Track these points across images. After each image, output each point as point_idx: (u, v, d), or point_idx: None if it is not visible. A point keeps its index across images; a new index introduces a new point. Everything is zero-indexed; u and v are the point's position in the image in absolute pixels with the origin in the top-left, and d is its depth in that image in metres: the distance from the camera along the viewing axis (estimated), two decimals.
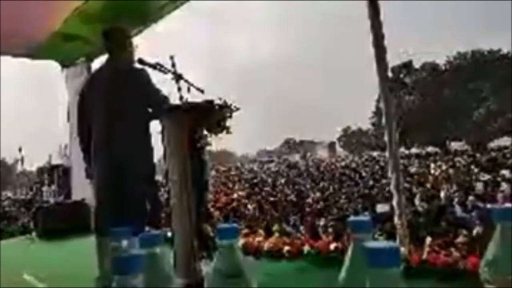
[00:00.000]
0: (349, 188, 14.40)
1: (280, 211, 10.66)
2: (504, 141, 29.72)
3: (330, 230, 7.06)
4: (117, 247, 0.86)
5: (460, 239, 4.85)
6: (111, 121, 2.67)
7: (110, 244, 0.87)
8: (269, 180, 20.77)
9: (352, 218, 0.68)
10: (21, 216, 12.60)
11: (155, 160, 2.87)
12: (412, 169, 18.11)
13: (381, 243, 0.53)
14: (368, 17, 3.06)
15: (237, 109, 2.92)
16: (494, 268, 0.66)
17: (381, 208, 9.15)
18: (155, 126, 2.84)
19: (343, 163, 27.69)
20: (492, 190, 10.20)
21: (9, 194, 29.38)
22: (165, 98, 2.82)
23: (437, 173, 15.82)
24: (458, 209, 8.20)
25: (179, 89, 2.89)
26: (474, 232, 5.13)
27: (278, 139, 65.24)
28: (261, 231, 5.11)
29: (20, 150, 17.06)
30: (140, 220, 2.51)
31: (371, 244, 0.54)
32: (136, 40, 3.06)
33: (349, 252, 0.66)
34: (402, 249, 2.80)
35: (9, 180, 43.63)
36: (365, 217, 0.68)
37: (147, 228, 2.55)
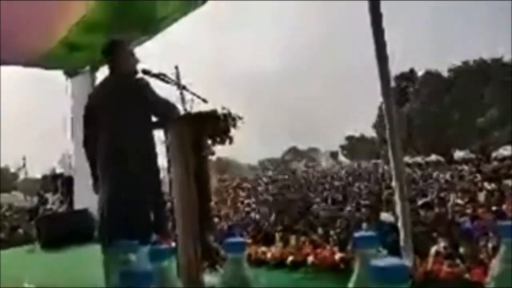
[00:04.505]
0: (354, 197, 14.32)
1: (286, 220, 10.59)
2: (507, 150, 29.55)
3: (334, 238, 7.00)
4: (125, 260, 0.86)
5: (461, 250, 4.80)
6: (117, 134, 2.69)
7: (118, 256, 0.87)
8: (272, 188, 20.71)
9: (357, 233, 0.68)
10: (24, 225, 12.57)
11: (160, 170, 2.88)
12: (416, 178, 18.01)
13: (388, 260, 0.53)
14: (372, 34, 3.07)
15: (240, 118, 2.93)
16: (500, 285, 0.66)
17: (384, 218, 9.08)
18: (159, 136, 2.86)
19: (345, 172, 27.63)
20: (498, 200, 10.11)
21: (12, 201, 29.33)
22: (169, 105, 2.83)
23: (442, 182, 15.74)
24: (463, 220, 8.13)
25: (183, 99, 2.91)
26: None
27: (281, 148, 65.08)
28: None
29: (23, 159, 17.18)
30: (147, 233, 2.52)
31: (377, 261, 0.54)
32: (142, 49, 3.08)
33: (356, 268, 0.67)
34: (407, 262, 2.78)
35: (11, 188, 43.62)
36: (370, 232, 0.68)
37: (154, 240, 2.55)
